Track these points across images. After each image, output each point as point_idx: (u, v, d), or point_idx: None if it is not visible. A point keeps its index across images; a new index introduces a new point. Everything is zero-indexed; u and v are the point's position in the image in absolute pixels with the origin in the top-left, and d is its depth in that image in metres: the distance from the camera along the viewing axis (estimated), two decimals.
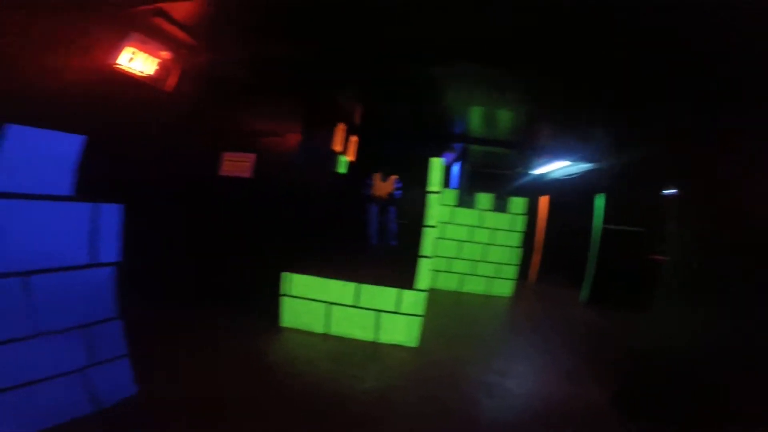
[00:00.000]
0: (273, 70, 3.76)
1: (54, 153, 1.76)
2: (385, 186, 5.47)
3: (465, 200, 6.04)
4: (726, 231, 2.22)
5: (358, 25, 2.78)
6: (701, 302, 2.30)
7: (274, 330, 3.45)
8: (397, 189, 5.42)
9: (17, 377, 1.68)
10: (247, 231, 4.08)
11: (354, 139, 6.24)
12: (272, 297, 3.55)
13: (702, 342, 2.23)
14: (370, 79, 4.11)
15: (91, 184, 1.92)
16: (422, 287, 3.44)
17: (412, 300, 3.43)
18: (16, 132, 1.62)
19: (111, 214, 2.04)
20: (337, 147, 5.46)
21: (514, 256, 5.91)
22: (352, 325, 3.48)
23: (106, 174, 2.44)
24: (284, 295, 3.53)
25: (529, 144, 6.53)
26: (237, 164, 4.27)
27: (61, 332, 1.83)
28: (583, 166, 7.10)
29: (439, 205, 3.78)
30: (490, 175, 8.54)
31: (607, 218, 5.83)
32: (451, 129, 6.23)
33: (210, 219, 4.10)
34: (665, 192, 5.05)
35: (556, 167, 7.58)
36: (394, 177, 5.48)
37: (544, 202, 7.11)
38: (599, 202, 5.89)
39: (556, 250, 7.30)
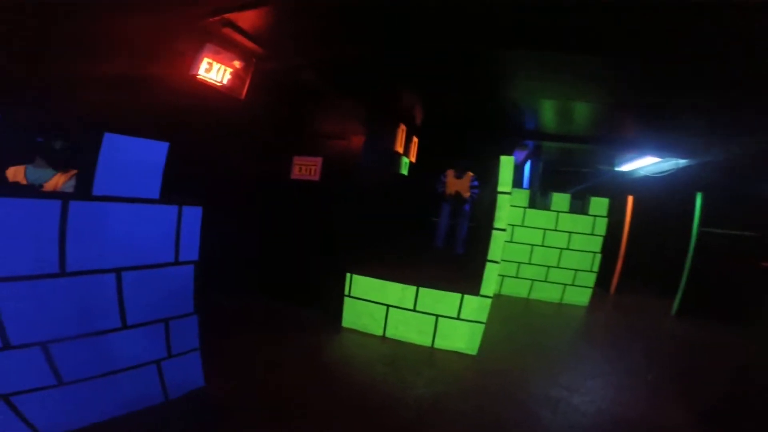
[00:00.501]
0: (335, 73, 3.85)
1: (143, 159, 1.96)
2: (460, 183, 5.03)
3: (538, 201, 5.63)
4: None
5: (417, 16, 2.71)
6: None
7: (335, 329, 3.53)
8: (474, 187, 4.97)
9: (103, 366, 1.89)
10: (317, 232, 4.25)
11: (415, 140, 6.18)
12: (338, 297, 3.64)
13: None
14: (433, 71, 4.00)
15: (175, 187, 2.11)
16: (487, 293, 3.26)
17: (475, 306, 3.27)
18: (112, 140, 1.83)
19: (192, 216, 2.22)
20: (399, 148, 5.44)
21: (593, 262, 5.37)
22: (410, 329, 3.42)
23: (188, 178, 2.69)
24: (347, 295, 3.59)
25: (610, 138, 5.90)
26: (306, 167, 4.48)
27: (144, 325, 2.04)
28: (676, 162, 6.24)
29: (510, 206, 3.55)
30: (566, 173, 7.91)
31: (707, 220, 5.04)
32: (521, 125, 5.85)
33: (282, 220, 4.35)
34: None
35: (645, 164, 6.77)
36: (470, 174, 5.01)
37: (629, 202, 6.37)
38: (697, 202, 5.11)
39: (643, 255, 6.49)
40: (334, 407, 2.31)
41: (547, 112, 5.16)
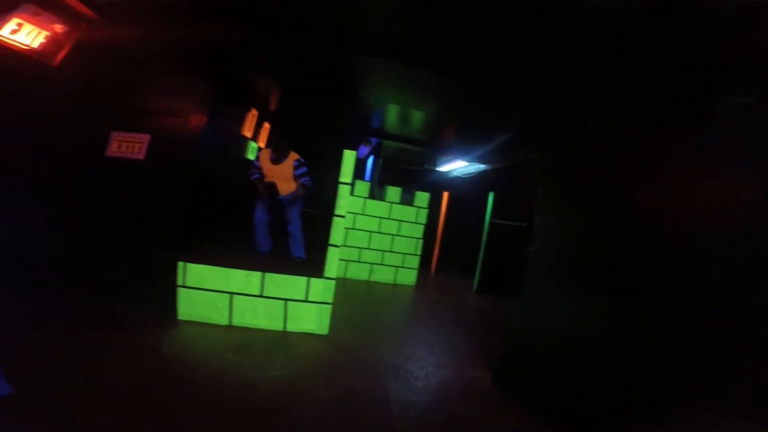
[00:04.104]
0: (183, 49, 3.47)
1: None
2: (279, 170, 3.91)
3: (376, 192, 6.32)
4: (575, 226, 2.78)
5: (283, 8, 2.73)
6: (555, 287, 2.82)
7: (170, 323, 3.24)
8: (300, 174, 3.90)
9: None
10: (140, 217, 3.71)
11: (267, 125, 6.03)
12: (167, 289, 3.33)
13: (555, 324, 2.75)
14: (290, 65, 4.02)
15: None
16: (330, 275, 3.56)
17: (321, 288, 3.53)
18: None
19: None
20: (247, 132, 5.23)
21: (416, 246, 6.40)
22: (258, 315, 3.45)
23: None
24: (181, 285, 3.34)
25: (436, 143, 7.05)
26: (128, 145, 3.83)
27: None
28: (478, 166, 7.94)
29: (350, 196, 3.92)
30: (400, 169, 9.01)
31: (496, 214, 6.64)
32: (367, 123, 6.40)
33: (97, 204, 3.62)
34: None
35: (457, 166, 8.33)
36: (294, 156, 3.90)
37: (445, 197, 7.78)
38: (490, 199, 6.68)
39: (454, 242, 8.06)
40: (180, 401, 2.18)
41: (391, 115, 5.82)
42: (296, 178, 3.93)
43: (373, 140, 7.60)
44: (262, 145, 5.94)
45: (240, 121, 5.02)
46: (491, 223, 6.63)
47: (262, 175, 3.94)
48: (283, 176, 3.93)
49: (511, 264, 6.15)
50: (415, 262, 6.43)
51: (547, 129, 3.19)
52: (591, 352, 2.47)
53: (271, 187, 3.96)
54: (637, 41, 2.20)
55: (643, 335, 2.23)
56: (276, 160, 3.90)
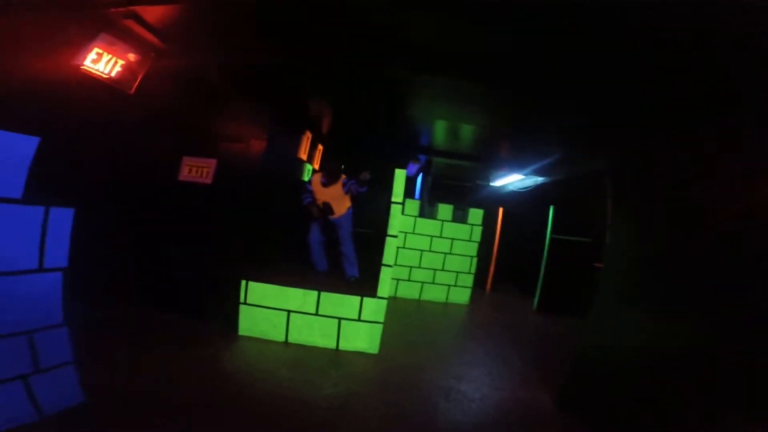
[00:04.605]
0: (243, 75, 3.75)
1: (7, 154, 1.70)
2: (330, 192, 4.04)
3: (426, 210, 6.26)
4: (652, 241, 2.52)
5: (333, 29, 2.85)
6: (630, 306, 2.57)
7: (231, 338, 3.41)
8: (354, 189, 4.02)
9: None
10: (208, 238, 4.00)
11: (320, 147, 6.28)
12: (231, 306, 3.52)
13: (628, 345, 2.50)
14: (341, 86, 4.18)
15: (46, 186, 1.87)
16: (383, 295, 3.54)
17: (374, 307, 3.52)
18: None
19: (62, 219, 1.99)
20: (303, 155, 5.48)
21: (471, 264, 6.18)
22: (313, 333, 3.51)
23: (62, 177, 2.36)
24: (243, 303, 3.50)
25: (488, 157, 6.87)
26: (198, 169, 4.19)
27: (4, 338, 1.76)
28: (535, 180, 7.57)
29: (401, 215, 3.91)
30: (450, 186, 8.87)
31: (558, 229, 6.25)
32: (417, 140, 6.42)
33: (170, 225, 3.99)
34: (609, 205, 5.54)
35: (513, 180, 8.03)
36: (343, 177, 4.07)
37: (500, 213, 7.50)
38: (550, 213, 6.31)
39: (510, 259, 7.69)
40: (238, 415, 2.27)
41: (439, 131, 5.80)
42: (347, 193, 4.07)
43: (422, 157, 7.59)
44: (316, 166, 6.19)
45: (296, 144, 5.28)
46: (552, 239, 6.25)
47: (314, 199, 4.09)
48: (335, 197, 4.06)
49: (575, 281, 5.78)
50: (469, 280, 6.21)
51: (620, 138, 2.95)
52: (666, 376, 2.22)
53: (326, 208, 4.06)
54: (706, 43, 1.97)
55: (723, 359, 1.97)
56: (327, 183, 4.06)
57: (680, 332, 2.22)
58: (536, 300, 6.38)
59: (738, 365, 1.91)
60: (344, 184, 4.05)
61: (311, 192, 4.11)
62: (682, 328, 2.21)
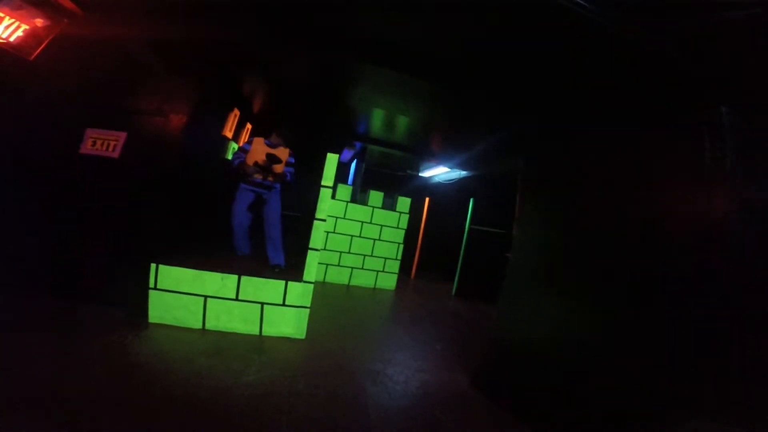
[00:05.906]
0: (168, 48, 3.39)
1: None
2: (275, 154, 3.90)
3: (358, 197, 6.30)
4: (555, 233, 2.84)
5: (274, 9, 2.70)
6: (533, 294, 2.88)
7: (141, 326, 3.13)
8: (289, 164, 4.00)
9: None
10: (112, 218, 3.58)
11: (248, 126, 5.93)
12: (140, 291, 3.23)
13: (535, 329, 2.79)
14: (277, 66, 3.97)
15: None
16: (309, 279, 3.52)
17: (299, 291, 3.49)
18: None
19: None
20: (228, 133, 5.13)
21: (397, 251, 6.41)
22: (234, 319, 3.37)
23: None
24: (153, 288, 3.23)
25: (419, 149, 7.11)
26: (103, 142, 3.70)
27: None
28: (459, 173, 8.04)
29: (331, 199, 3.89)
30: (382, 174, 9.03)
31: (476, 220, 6.73)
32: (354, 127, 6.38)
33: (67, 202, 3.48)
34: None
35: (439, 172, 8.42)
36: (287, 150, 4.01)
37: (426, 202, 7.85)
38: (470, 205, 6.77)
39: (434, 247, 8.12)
40: (152, 404, 2.11)
41: (376, 120, 5.84)
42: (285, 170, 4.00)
43: (357, 144, 7.59)
44: (241, 144, 5.84)
45: (222, 121, 4.93)
46: (471, 229, 6.72)
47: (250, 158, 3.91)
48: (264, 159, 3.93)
49: (489, 269, 6.29)
50: (395, 266, 6.43)
51: (534, 138, 3.24)
52: (573, 358, 2.50)
53: (272, 158, 3.85)
54: (632, 49, 2.24)
55: (627, 342, 2.24)
56: (273, 145, 3.97)
57: (579, 318, 2.51)
58: (455, 286, 6.84)
59: (633, 347, 2.16)
60: (288, 163, 4.00)
61: (246, 152, 3.92)
62: (580, 314, 2.50)
